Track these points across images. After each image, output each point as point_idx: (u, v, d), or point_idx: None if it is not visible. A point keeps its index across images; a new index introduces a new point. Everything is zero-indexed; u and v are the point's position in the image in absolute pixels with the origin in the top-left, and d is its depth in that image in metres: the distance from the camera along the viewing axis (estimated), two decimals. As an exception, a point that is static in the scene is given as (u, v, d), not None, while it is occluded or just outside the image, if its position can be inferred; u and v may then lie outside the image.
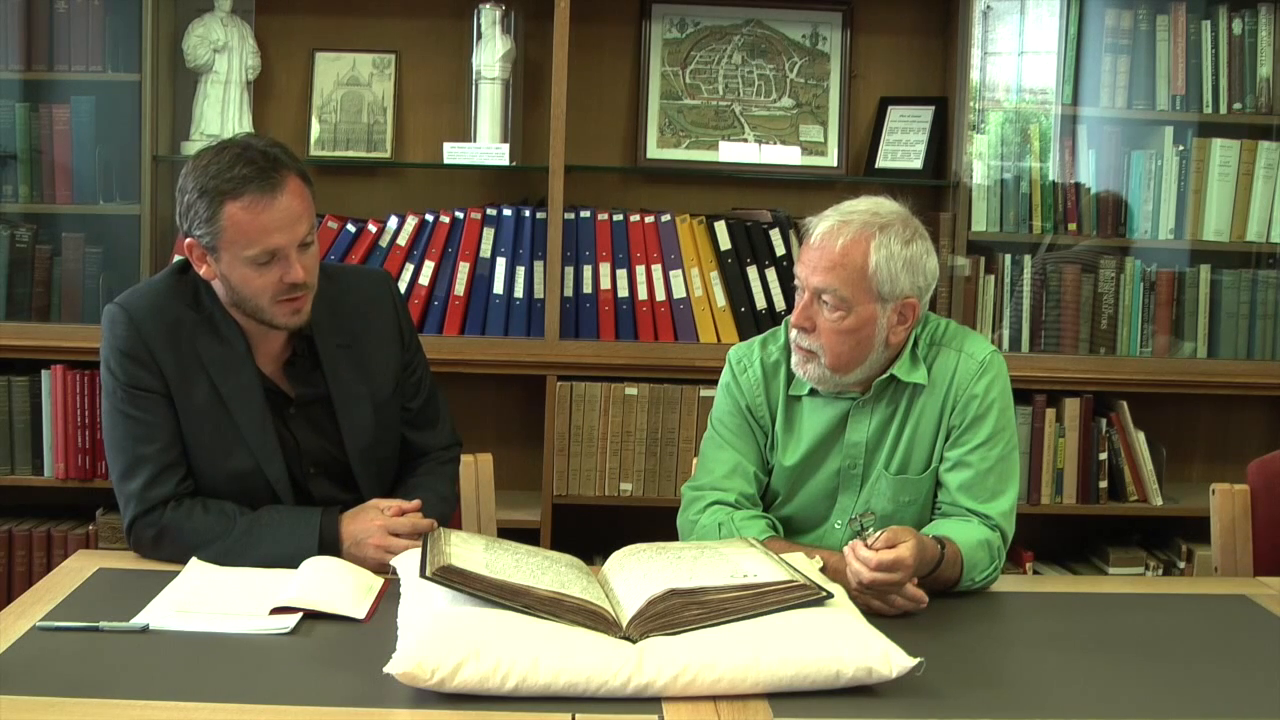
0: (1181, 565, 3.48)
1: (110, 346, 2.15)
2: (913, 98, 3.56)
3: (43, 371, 3.28)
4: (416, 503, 2.16)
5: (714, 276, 3.37)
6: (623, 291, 3.37)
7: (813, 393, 2.26)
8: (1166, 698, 1.70)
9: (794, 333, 2.19)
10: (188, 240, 2.11)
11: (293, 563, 2.02)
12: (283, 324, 2.14)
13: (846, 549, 1.96)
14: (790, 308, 2.30)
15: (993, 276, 3.47)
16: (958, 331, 2.27)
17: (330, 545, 2.10)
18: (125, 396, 2.14)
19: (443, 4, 3.49)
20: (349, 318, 2.27)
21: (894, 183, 3.33)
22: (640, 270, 3.37)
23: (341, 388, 2.23)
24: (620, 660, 1.63)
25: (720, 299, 3.38)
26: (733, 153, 3.56)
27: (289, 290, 2.10)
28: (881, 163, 3.54)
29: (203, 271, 2.13)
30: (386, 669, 1.59)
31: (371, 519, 2.12)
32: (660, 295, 3.36)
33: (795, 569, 1.85)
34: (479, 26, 3.41)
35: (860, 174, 3.56)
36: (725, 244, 3.37)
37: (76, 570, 2.07)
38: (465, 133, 3.44)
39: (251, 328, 2.17)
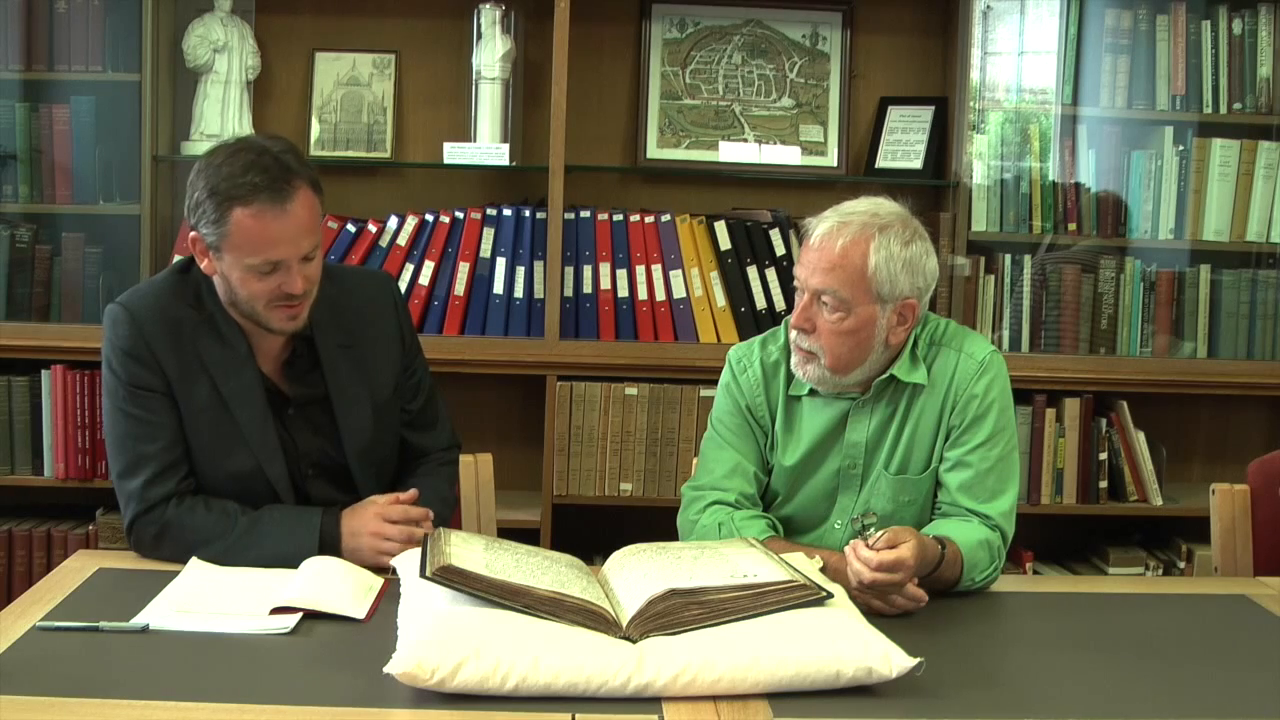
0: (1181, 565, 3.48)
1: (112, 346, 2.15)
2: (913, 98, 3.56)
3: (43, 371, 3.28)
4: (413, 493, 2.17)
5: (714, 276, 3.37)
6: (623, 291, 3.37)
7: (812, 393, 2.26)
8: (1166, 698, 1.70)
9: (794, 334, 2.19)
10: (192, 234, 2.11)
11: (293, 562, 2.02)
12: (277, 329, 2.14)
13: (847, 549, 1.96)
14: (790, 308, 2.30)
15: (993, 276, 3.47)
16: (957, 331, 2.27)
17: (330, 545, 2.10)
18: (127, 396, 2.14)
19: (443, 4, 3.49)
20: (350, 319, 2.26)
21: (894, 183, 3.34)
22: (640, 270, 3.36)
23: (340, 389, 2.23)
24: (620, 660, 1.63)
25: (720, 299, 3.38)
26: (733, 153, 3.56)
27: (286, 297, 2.10)
28: (881, 163, 3.54)
29: (204, 265, 2.13)
30: (386, 669, 1.59)
31: (369, 513, 2.13)
32: (660, 295, 3.36)
33: (795, 569, 1.85)
34: (479, 26, 3.41)
35: (860, 174, 3.56)
36: (725, 244, 3.37)
37: (76, 570, 2.07)
38: (465, 133, 3.44)
39: (251, 328, 2.17)
